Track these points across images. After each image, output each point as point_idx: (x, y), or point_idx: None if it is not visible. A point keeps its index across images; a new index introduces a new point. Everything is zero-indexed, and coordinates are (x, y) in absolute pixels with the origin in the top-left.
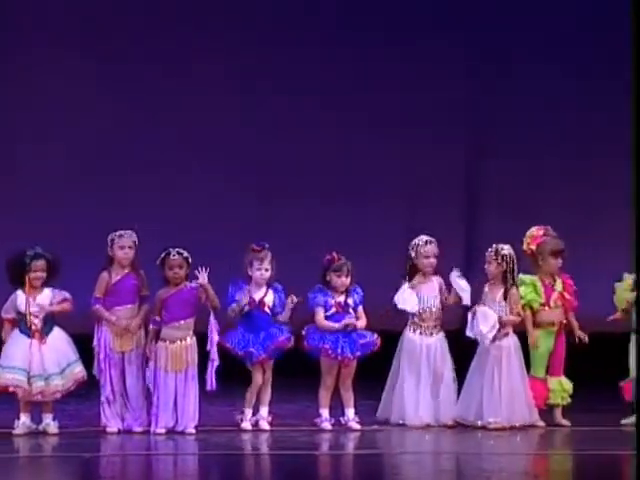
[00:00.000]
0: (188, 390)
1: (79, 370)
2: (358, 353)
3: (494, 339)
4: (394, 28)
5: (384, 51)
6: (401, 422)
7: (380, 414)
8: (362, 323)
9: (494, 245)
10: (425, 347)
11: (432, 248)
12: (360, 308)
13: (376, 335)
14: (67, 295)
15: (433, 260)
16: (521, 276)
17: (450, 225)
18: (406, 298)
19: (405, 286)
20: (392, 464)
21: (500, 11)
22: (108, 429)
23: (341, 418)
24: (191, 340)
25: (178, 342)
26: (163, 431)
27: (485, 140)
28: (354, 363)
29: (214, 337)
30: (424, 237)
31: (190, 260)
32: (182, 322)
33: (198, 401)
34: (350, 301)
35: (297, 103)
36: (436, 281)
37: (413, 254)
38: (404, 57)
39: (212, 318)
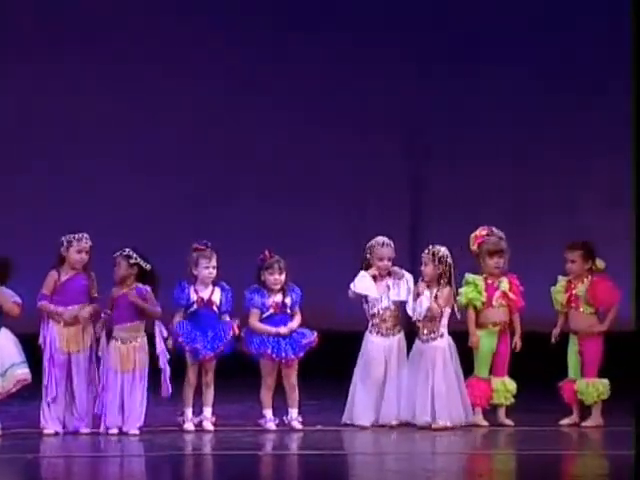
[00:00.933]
0: (135, 391)
1: (22, 372)
2: (301, 353)
3: (433, 339)
4: (341, 29)
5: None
6: (349, 422)
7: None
8: (296, 323)
9: (430, 246)
10: (386, 348)
11: (387, 251)
12: (296, 307)
13: (315, 333)
14: (17, 299)
15: (387, 263)
16: (466, 275)
17: (400, 226)
18: (368, 285)
19: (363, 272)
20: (336, 464)
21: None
22: (45, 431)
23: (284, 418)
24: (141, 341)
25: (128, 343)
26: (115, 431)
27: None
28: (296, 361)
29: (161, 345)
30: (381, 239)
31: (132, 260)
32: (131, 324)
33: (146, 402)
34: (288, 300)
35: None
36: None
37: (368, 255)
38: (361, 59)
39: (157, 327)
